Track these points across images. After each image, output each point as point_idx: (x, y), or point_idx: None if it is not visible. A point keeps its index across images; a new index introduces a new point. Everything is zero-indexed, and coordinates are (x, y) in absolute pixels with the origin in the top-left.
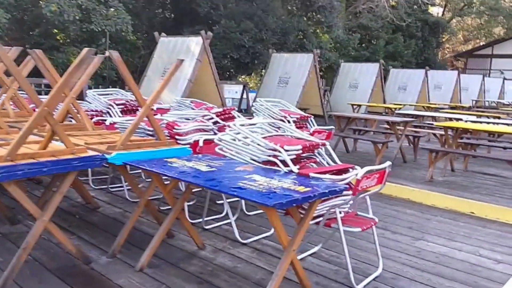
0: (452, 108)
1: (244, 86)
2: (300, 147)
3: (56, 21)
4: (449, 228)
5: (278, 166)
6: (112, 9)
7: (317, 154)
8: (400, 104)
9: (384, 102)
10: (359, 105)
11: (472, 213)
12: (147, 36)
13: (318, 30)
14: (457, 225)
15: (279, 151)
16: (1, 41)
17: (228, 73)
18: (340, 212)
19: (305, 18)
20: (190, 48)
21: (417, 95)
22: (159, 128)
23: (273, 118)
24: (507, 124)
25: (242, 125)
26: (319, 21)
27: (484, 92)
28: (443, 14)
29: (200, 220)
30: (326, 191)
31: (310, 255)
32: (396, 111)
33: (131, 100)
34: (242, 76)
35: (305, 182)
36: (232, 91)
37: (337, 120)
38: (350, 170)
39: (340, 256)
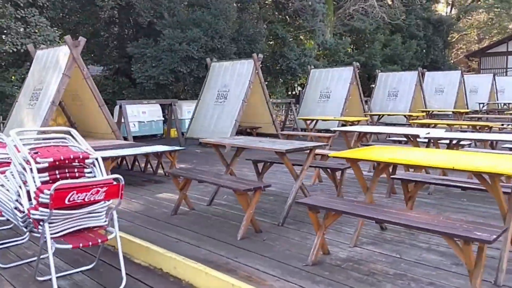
0: (454, 113)
1: (170, 105)
2: None
3: None
4: None
5: None
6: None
7: None
8: (380, 114)
9: (365, 112)
10: (314, 120)
11: None
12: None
13: (302, 37)
14: None
15: None
16: None
17: (190, 90)
18: None
19: (283, 24)
20: (58, 61)
21: (411, 101)
22: None
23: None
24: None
25: None
26: (301, 26)
27: (496, 93)
28: (450, 11)
29: None
30: None
31: None
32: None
33: None
34: None
35: None
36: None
37: (215, 148)
38: None
39: None
